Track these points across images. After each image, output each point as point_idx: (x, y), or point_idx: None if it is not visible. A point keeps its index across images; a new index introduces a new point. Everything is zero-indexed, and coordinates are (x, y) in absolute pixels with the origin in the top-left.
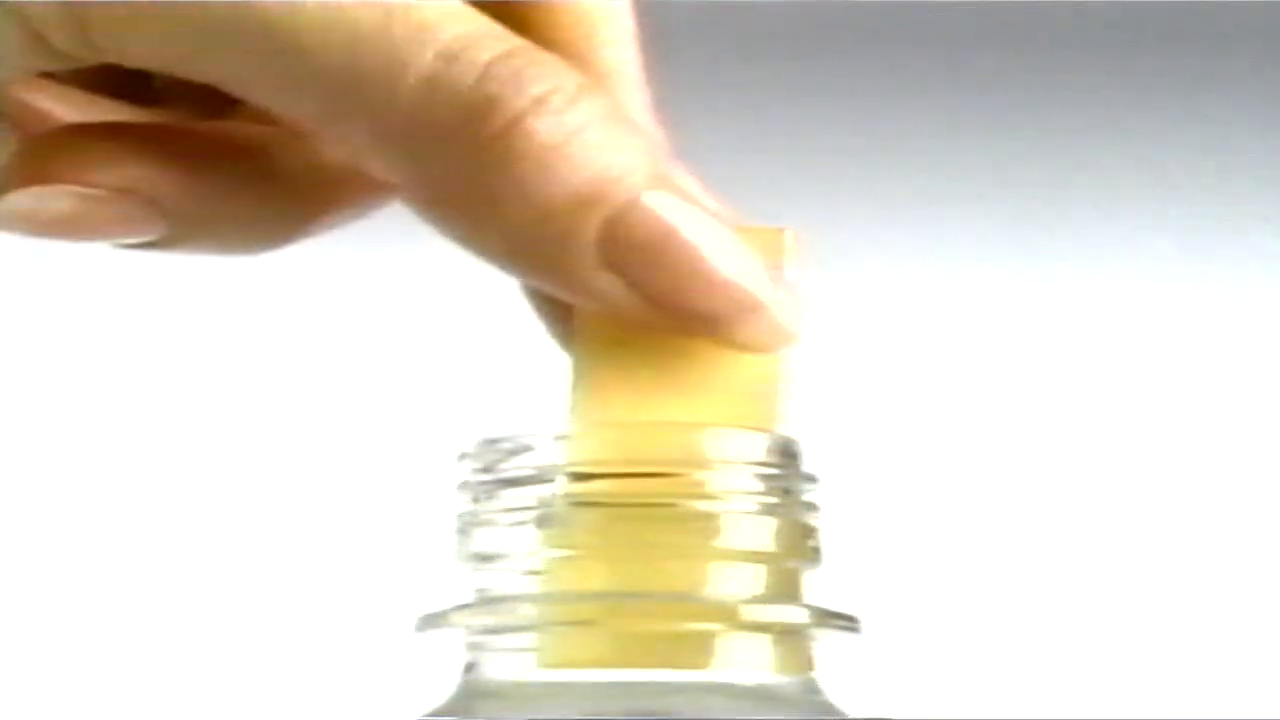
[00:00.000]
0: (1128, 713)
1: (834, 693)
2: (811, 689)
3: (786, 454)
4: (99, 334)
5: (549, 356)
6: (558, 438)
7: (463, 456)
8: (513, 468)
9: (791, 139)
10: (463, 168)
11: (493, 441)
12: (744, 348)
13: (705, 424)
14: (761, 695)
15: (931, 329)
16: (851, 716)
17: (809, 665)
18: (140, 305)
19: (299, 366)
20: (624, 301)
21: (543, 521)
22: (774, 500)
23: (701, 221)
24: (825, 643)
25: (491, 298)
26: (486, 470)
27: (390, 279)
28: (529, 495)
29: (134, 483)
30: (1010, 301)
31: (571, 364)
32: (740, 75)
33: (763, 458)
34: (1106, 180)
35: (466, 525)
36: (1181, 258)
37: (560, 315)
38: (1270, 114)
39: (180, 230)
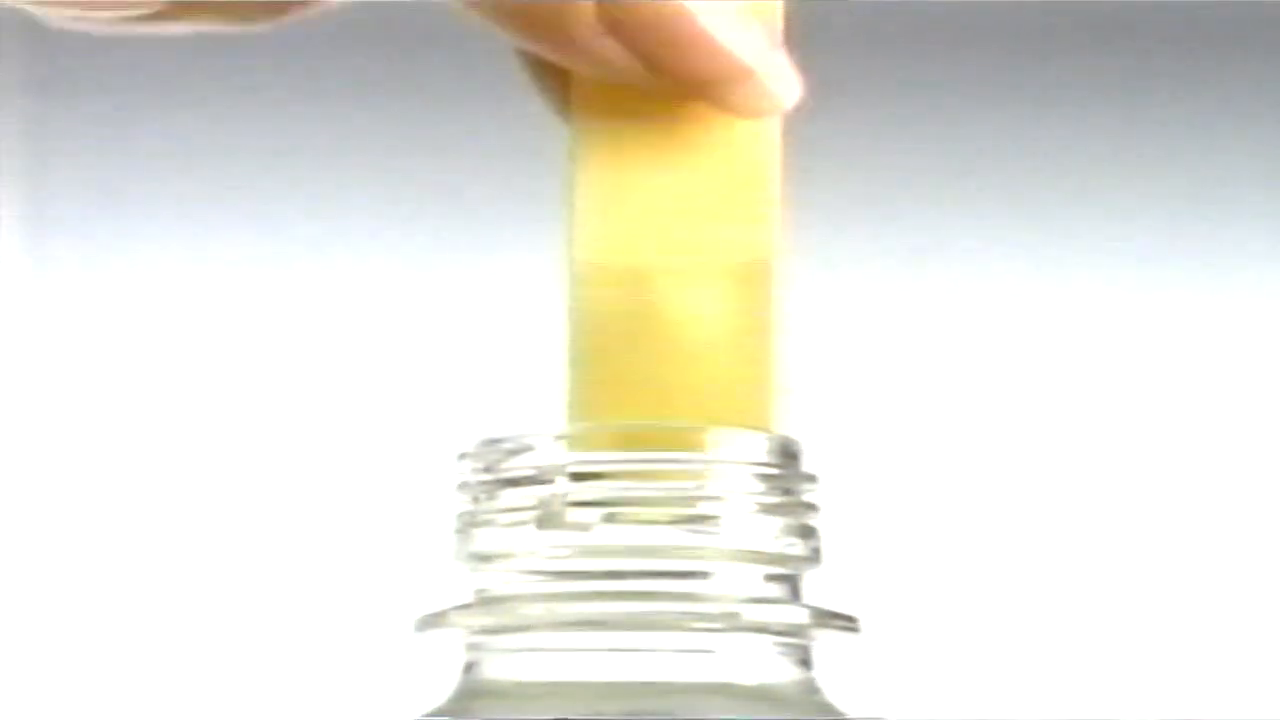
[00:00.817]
0: (1128, 713)
1: (834, 693)
2: (811, 689)
3: (786, 454)
4: (100, 335)
5: (548, 357)
6: (558, 437)
7: (463, 456)
8: (513, 468)
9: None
10: None
11: (493, 441)
12: (737, 112)
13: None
14: (761, 695)
15: (931, 329)
16: (851, 716)
17: (809, 665)
18: (141, 307)
19: (299, 367)
20: (621, 66)
21: (543, 521)
22: (774, 500)
23: None
24: (825, 643)
25: (491, 300)
26: (486, 470)
27: (390, 281)
28: (529, 495)
29: (135, 483)
30: (1010, 302)
31: (568, 132)
32: None
33: (763, 458)
34: (1107, 180)
35: (466, 525)
36: (1181, 257)
37: (557, 83)
38: (1270, 114)
39: (179, 1)
